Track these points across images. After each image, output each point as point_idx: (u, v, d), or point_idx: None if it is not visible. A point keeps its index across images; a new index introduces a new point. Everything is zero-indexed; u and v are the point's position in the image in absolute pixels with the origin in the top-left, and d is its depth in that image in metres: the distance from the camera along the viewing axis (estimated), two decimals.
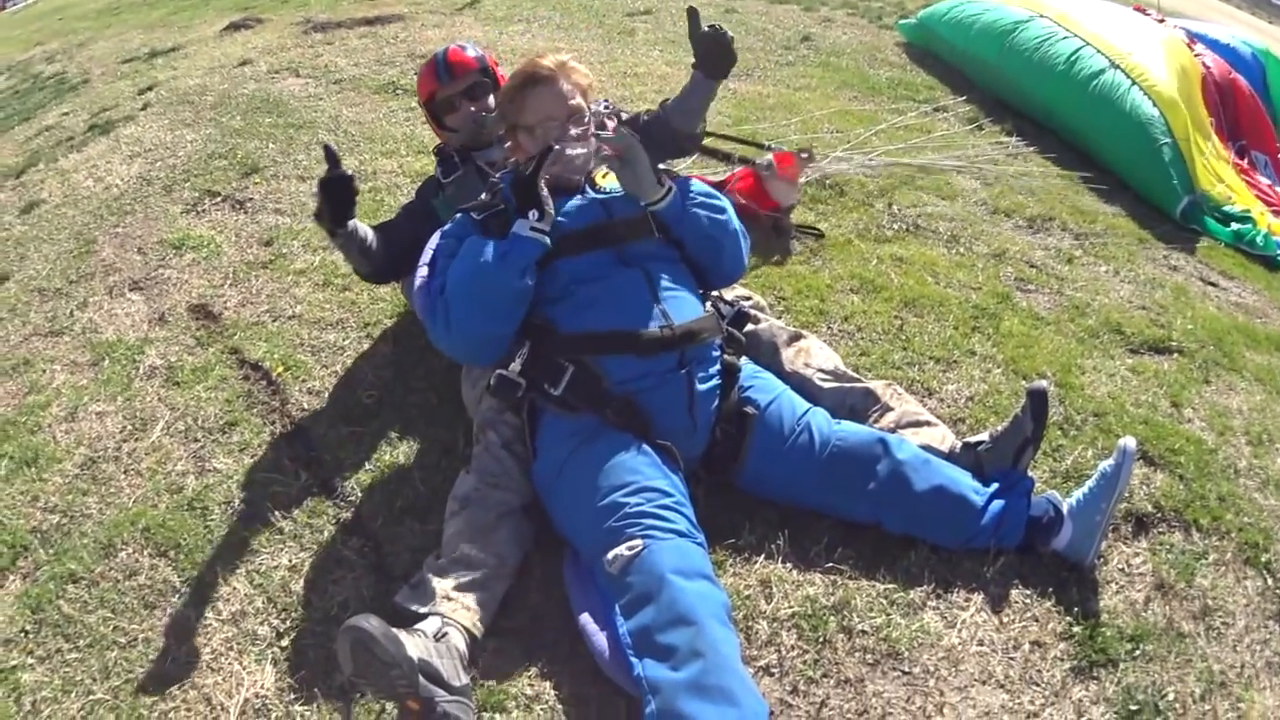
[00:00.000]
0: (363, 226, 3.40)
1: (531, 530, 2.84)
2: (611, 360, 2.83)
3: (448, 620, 2.45)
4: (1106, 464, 2.85)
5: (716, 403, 2.90)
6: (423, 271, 3.18)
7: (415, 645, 2.26)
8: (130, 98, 8.11)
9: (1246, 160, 7.07)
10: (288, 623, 2.70)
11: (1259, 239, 5.79)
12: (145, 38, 11.11)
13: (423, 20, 9.77)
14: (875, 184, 5.54)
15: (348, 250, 3.42)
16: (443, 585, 2.54)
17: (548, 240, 2.88)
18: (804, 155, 4.92)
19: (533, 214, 2.89)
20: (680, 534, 2.47)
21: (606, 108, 3.54)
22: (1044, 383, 2.99)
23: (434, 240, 3.22)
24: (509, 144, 3.33)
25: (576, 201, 3.05)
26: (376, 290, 4.25)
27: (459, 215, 3.13)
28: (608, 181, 3.13)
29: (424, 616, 2.46)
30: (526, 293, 2.87)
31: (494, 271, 2.84)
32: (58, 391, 3.85)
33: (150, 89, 8.22)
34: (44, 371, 4.03)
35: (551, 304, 2.92)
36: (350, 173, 3.19)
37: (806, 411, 2.95)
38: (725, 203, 3.20)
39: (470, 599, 2.54)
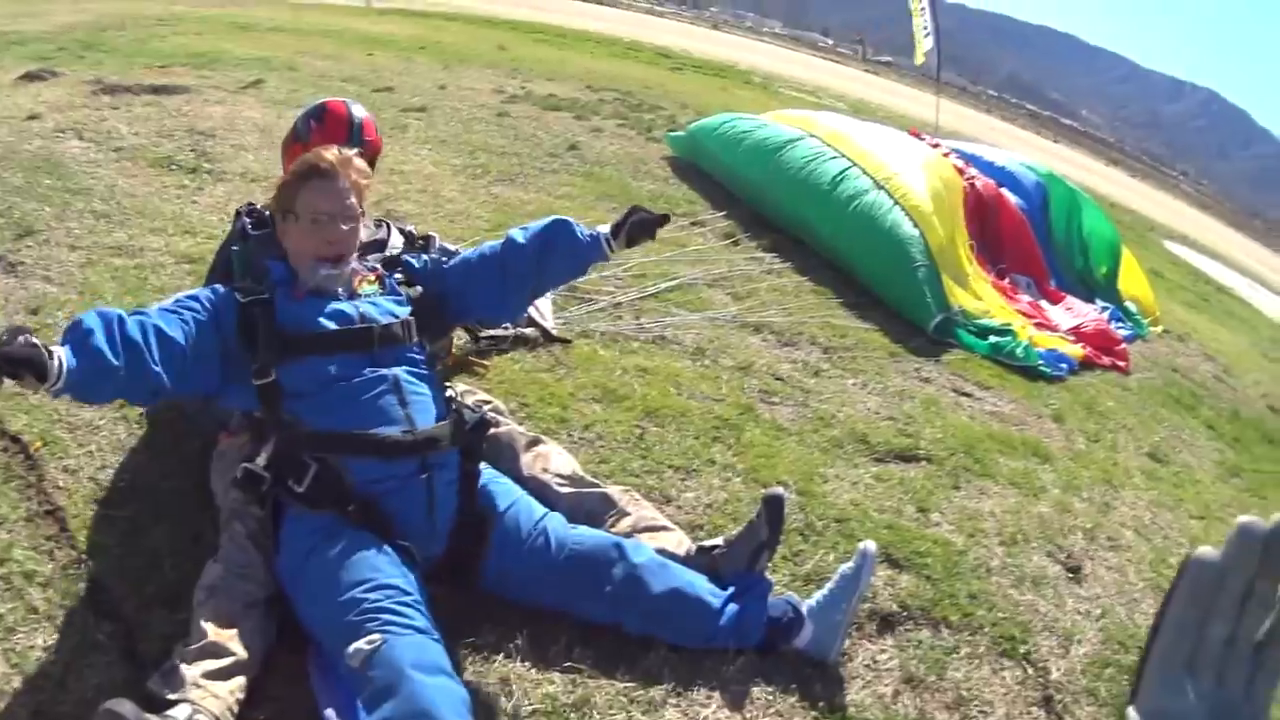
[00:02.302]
0: None
1: (275, 622, 2.96)
2: (354, 460, 3.00)
3: (198, 707, 2.55)
4: (847, 566, 3.16)
5: (455, 505, 3.09)
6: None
7: None
8: None
9: (1007, 281, 7.72)
10: (45, 703, 2.73)
11: (1019, 350, 6.34)
12: None
13: (206, 95, 9.94)
14: (623, 294, 5.90)
15: None
16: (192, 673, 2.64)
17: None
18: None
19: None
20: (419, 630, 2.64)
21: (405, 232, 3.93)
22: (779, 489, 3.31)
23: (197, 290, 3.26)
24: (278, 225, 3.44)
25: (335, 304, 3.25)
26: None
27: (225, 290, 3.22)
28: (366, 287, 3.40)
29: (175, 703, 2.55)
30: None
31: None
32: None
33: None
34: None
35: (300, 399, 3.08)
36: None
37: (544, 516, 3.17)
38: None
39: (219, 687, 2.64)
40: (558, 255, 3.53)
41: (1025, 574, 3.81)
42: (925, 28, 17.57)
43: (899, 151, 8.00)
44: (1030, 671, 3.26)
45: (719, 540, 3.30)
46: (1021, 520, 4.22)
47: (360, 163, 3.44)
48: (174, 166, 7.41)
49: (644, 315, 5.64)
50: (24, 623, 2.98)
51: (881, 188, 7.22)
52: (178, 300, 3.11)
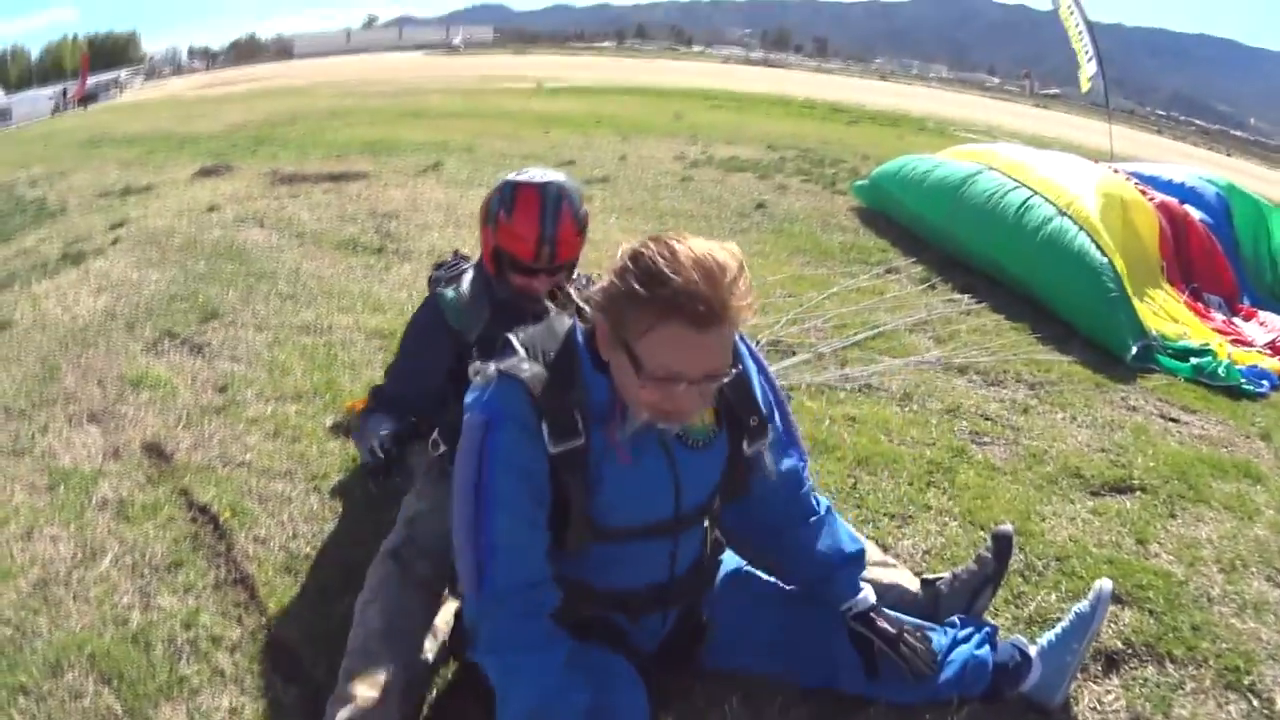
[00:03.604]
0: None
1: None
2: (600, 611, 2.63)
3: None
4: (1081, 605, 2.95)
5: (678, 615, 2.82)
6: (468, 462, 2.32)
7: None
8: (102, 231, 8.61)
9: (1200, 303, 7.35)
10: None
11: (1221, 370, 5.98)
12: (121, 174, 11.83)
13: (386, 179, 10.45)
14: (826, 344, 5.82)
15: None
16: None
17: None
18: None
19: None
20: None
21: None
22: (1009, 526, 3.15)
23: (481, 408, 2.34)
24: (602, 340, 2.30)
25: (656, 484, 2.45)
26: (325, 444, 4.41)
27: (539, 454, 2.32)
28: (698, 425, 2.49)
29: None
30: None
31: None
32: (16, 510, 3.92)
33: (121, 225, 8.75)
34: (5, 489, 4.11)
35: (564, 561, 2.45)
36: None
37: (760, 597, 2.93)
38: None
39: None
40: (818, 581, 2.85)
41: (1246, 601, 3.54)
42: (1087, 52, 17.00)
43: (1078, 177, 7.74)
44: (1255, 704, 3.01)
45: (945, 574, 3.15)
46: (1239, 545, 3.94)
47: (746, 281, 2.13)
48: (358, 248, 7.71)
49: (848, 365, 5.54)
50: (210, 684, 2.98)
51: (1065, 215, 6.98)
52: (514, 527, 2.29)
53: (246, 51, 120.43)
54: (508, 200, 3.37)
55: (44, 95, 45.36)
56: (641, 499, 2.44)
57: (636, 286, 2.08)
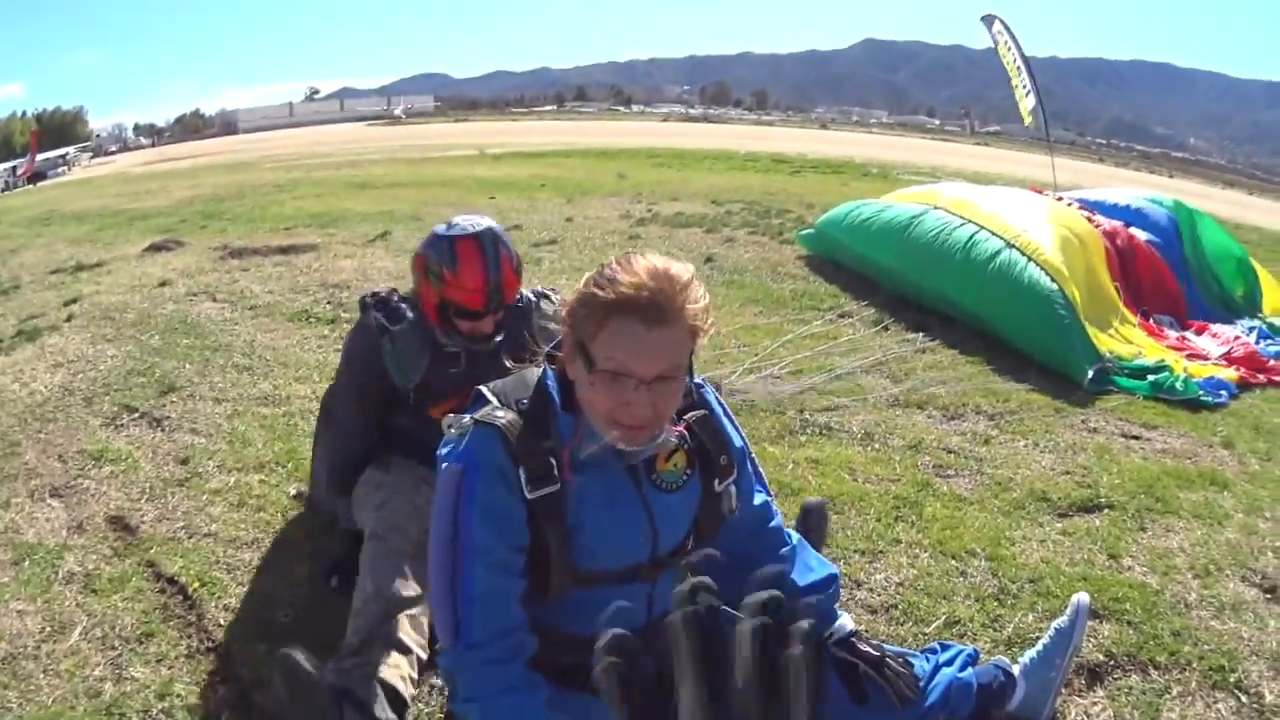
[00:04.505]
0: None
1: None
2: (576, 658, 2.53)
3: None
4: (1060, 620, 3.01)
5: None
6: (444, 518, 2.33)
7: None
8: (56, 308, 8.52)
9: (1151, 321, 7.52)
10: None
11: (1178, 384, 6.11)
12: (72, 251, 11.83)
13: (335, 250, 10.43)
14: (784, 391, 5.86)
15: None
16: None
17: None
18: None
19: None
20: None
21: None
22: (820, 500, 3.33)
23: (458, 457, 2.35)
24: (566, 351, 2.34)
25: (630, 525, 2.46)
26: (290, 513, 4.42)
27: (517, 502, 2.34)
28: (668, 469, 2.50)
29: None
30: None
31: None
32: None
33: (75, 301, 8.68)
34: None
35: (538, 605, 2.47)
36: None
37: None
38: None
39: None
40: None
41: (1224, 603, 3.62)
42: (1025, 86, 17.19)
43: (1024, 209, 7.90)
44: (1244, 700, 3.07)
45: None
46: (1211, 550, 4.04)
47: (698, 285, 2.23)
48: (312, 319, 7.72)
49: (807, 409, 5.58)
50: None
51: (1013, 246, 7.11)
52: (495, 579, 2.33)
53: (192, 127, 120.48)
54: (447, 256, 3.53)
55: None
56: (618, 542, 2.45)
57: (594, 288, 2.21)
